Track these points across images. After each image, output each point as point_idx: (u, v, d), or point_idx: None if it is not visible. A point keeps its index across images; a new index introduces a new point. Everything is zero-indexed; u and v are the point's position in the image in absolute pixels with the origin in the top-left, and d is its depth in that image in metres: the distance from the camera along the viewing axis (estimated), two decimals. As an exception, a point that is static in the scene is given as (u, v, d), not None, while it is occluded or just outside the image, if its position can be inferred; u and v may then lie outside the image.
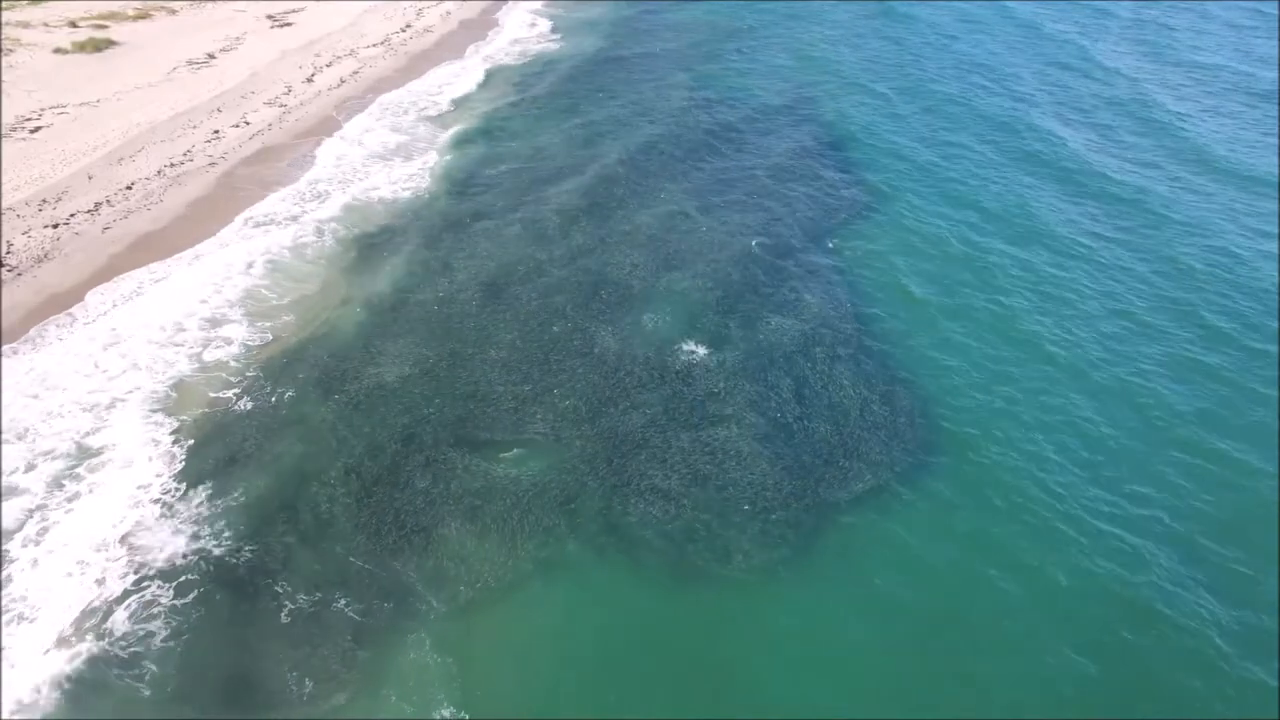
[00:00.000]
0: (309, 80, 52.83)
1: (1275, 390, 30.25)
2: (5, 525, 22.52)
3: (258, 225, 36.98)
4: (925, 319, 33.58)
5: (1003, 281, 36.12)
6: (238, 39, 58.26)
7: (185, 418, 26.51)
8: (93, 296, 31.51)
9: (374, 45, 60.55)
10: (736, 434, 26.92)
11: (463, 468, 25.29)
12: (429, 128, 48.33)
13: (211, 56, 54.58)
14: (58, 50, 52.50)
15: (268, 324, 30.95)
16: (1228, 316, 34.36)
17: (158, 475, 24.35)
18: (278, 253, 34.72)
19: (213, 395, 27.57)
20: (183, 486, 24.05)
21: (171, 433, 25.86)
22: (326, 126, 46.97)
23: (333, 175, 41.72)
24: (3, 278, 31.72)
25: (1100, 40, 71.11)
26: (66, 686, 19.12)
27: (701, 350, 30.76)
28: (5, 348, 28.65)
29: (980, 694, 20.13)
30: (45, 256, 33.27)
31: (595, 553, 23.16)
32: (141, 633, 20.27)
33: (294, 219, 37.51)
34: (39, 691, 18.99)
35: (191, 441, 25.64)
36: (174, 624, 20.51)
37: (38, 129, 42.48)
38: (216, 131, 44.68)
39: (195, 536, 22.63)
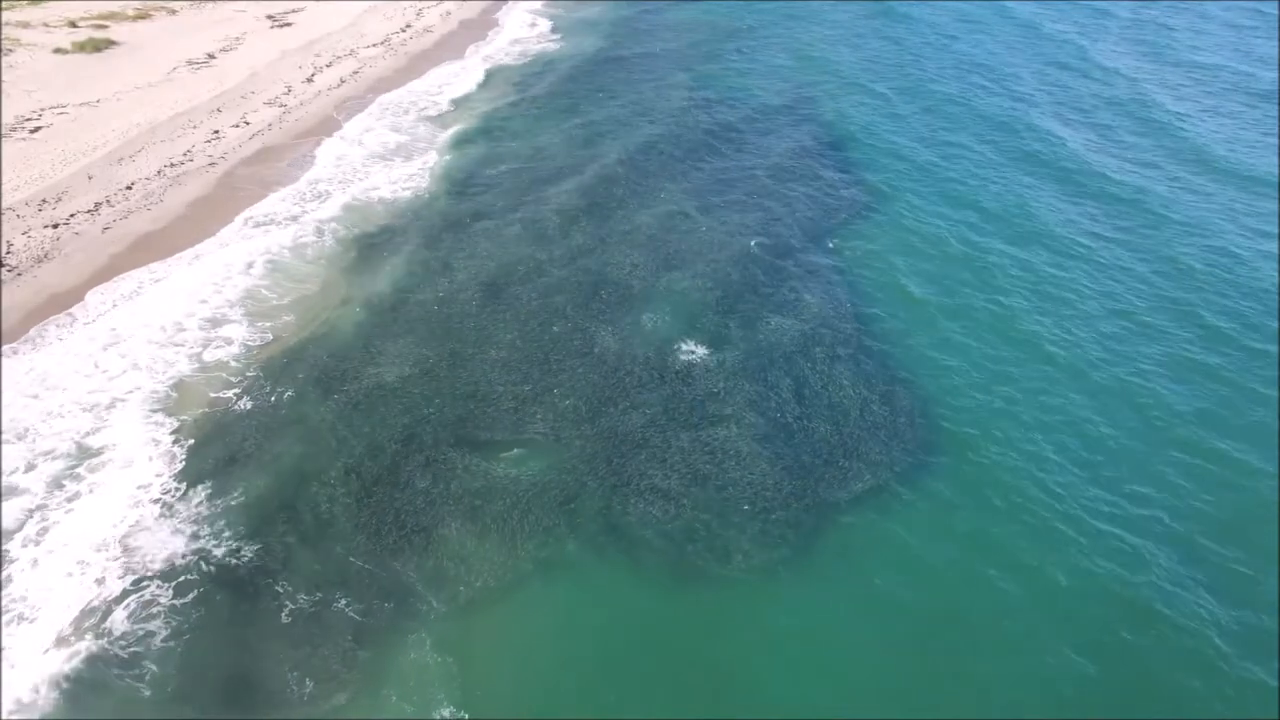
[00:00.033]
0: (309, 80, 52.84)
1: (1275, 390, 30.26)
2: (5, 525, 22.53)
3: (258, 225, 36.99)
4: (925, 319, 33.60)
5: (1002, 281, 36.14)
6: (238, 39, 58.27)
7: (185, 418, 26.52)
8: (93, 296, 31.53)
9: (374, 45, 60.56)
10: (736, 434, 26.93)
11: (463, 468, 25.29)
12: (429, 128, 48.34)
13: (211, 56, 54.59)
14: (58, 50, 52.51)
15: (268, 324, 30.96)
16: (1227, 316, 34.37)
17: (158, 475, 24.36)
18: (278, 253, 34.73)
19: (213, 395, 27.57)
20: (183, 486, 24.06)
21: (172, 433, 25.87)
22: (326, 126, 46.98)
23: (333, 175, 41.73)
24: (3, 278, 31.73)
25: (1099, 40, 71.13)
26: (66, 686, 19.12)
27: (701, 350, 30.77)
28: (5, 348, 28.65)
29: (980, 694, 20.14)
30: (45, 256, 33.28)
31: (595, 553, 23.17)
32: (141, 632, 20.28)
33: (294, 219, 37.53)
34: (39, 691, 18.98)
35: (192, 441, 25.65)
36: (174, 624, 20.52)
37: (38, 129, 42.49)
38: (216, 131, 44.68)
39: (195, 536, 22.65)
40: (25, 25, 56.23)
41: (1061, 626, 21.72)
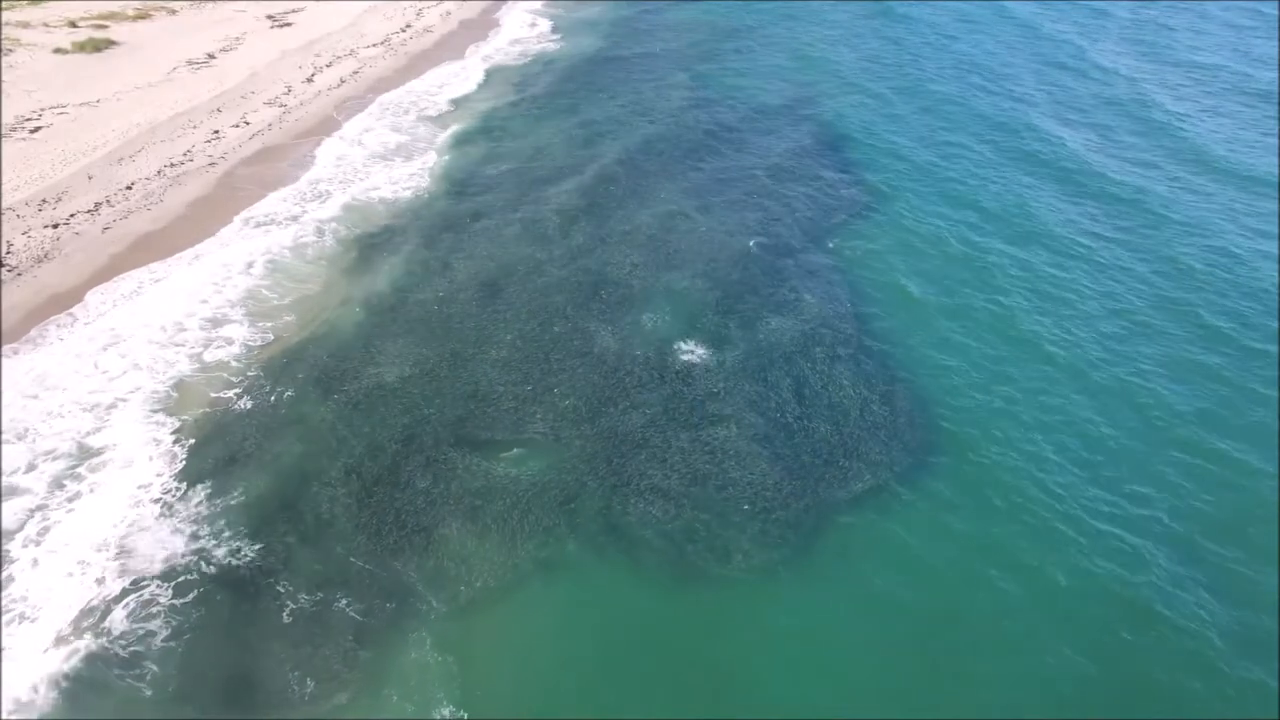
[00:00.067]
0: (309, 80, 52.85)
1: (1275, 390, 30.28)
2: (6, 525, 22.55)
3: (258, 225, 37.01)
4: (924, 319, 33.62)
5: (1002, 281, 36.16)
6: (238, 39, 58.28)
7: (186, 418, 26.54)
8: (93, 296, 31.54)
9: (374, 45, 60.57)
10: (736, 434, 26.95)
11: (463, 468, 25.31)
12: (429, 128, 48.36)
13: (211, 56, 54.59)
14: (58, 50, 52.52)
15: (269, 324, 30.97)
16: (1227, 316, 34.39)
17: (158, 475, 24.38)
18: (278, 253, 34.74)
19: (213, 395, 27.59)
20: (184, 486, 24.07)
21: (172, 432, 25.89)
22: (326, 126, 47.00)
23: (333, 175, 41.75)
24: (3, 278, 31.74)
25: (1099, 40, 71.17)
26: (66, 686, 19.14)
27: (701, 350, 30.79)
28: (5, 348, 28.66)
29: (980, 694, 20.16)
30: (45, 256, 33.29)
31: (595, 553, 23.18)
32: (142, 632, 20.29)
33: (294, 219, 37.54)
34: (39, 691, 18.99)
35: (192, 441, 25.66)
36: (175, 623, 20.54)
37: (38, 129, 42.49)
38: (216, 131, 44.69)
39: (196, 536, 22.66)
40: (25, 25, 56.24)
41: (1061, 626, 21.74)
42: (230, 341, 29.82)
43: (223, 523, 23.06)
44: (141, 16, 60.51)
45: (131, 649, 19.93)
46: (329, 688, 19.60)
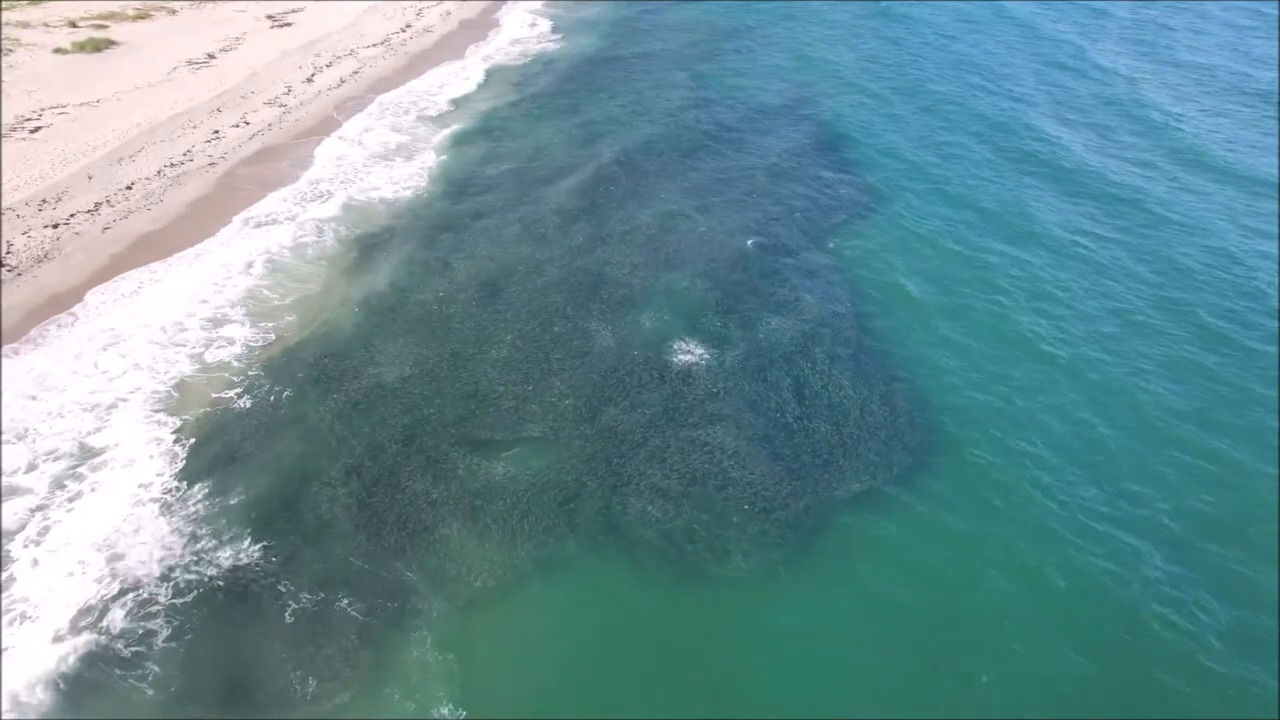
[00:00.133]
0: (309, 80, 52.87)
1: (1274, 390, 30.32)
2: (7, 525, 22.58)
3: (258, 225, 37.04)
4: (924, 319, 33.67)
5: (1001, 281, 36.20)
6: (238, 39, 58.29)
7: (187, 417, 26.58)
8: (93, 296, 31.56)
9: (374, 45, 60.59)
10: (735, 434, 26.99)
11: (463, 467, 25.36)
12: (429, 127, 48.38)
13: (211, 56, 54.61)
14: (58, 50, 52.53)
15: (269, 324, 31.00)
16: (1226, 316, 34.43)
17: (159, 474, 24.42)
18: (278, 252, 34.78)
19: (214, 395, 27.62)
20: (184, 486, 24.12)
21: (173, 432, 25.93)
22: (326, 126, 47.03)
23: (333, 175, 41.78)
24: (3, 278, 31.76)
25: (1098, 40, 71.21)
26: (67, 686, 19.17)
27: (700, 350, 30.84)
28: (6, 348, 28.69)
29: (979, 694, 20.21)
30: (45, 256, 33.32)
31: (595, 553, 23.23)
32: (143, 632, 20.34)
33: (294, 219, 37.58)
34: (39, 691, 19.02)
35: (193, 441, 25.70)
36: (176, 623, 20.58)
37: (38, 129, 42.51)
38: (216, 131, 44.72)
39: (196, 536, 22.70)
40: (25, 25, 56.25)
41: (1060, 626, 21.79)
42: (231, 341, 29.86)
43: (224, 522, 23.11)
44: (141, 16, 60.52)
45: (132, 648, 19.97)
46: (331, 687, 19.64)
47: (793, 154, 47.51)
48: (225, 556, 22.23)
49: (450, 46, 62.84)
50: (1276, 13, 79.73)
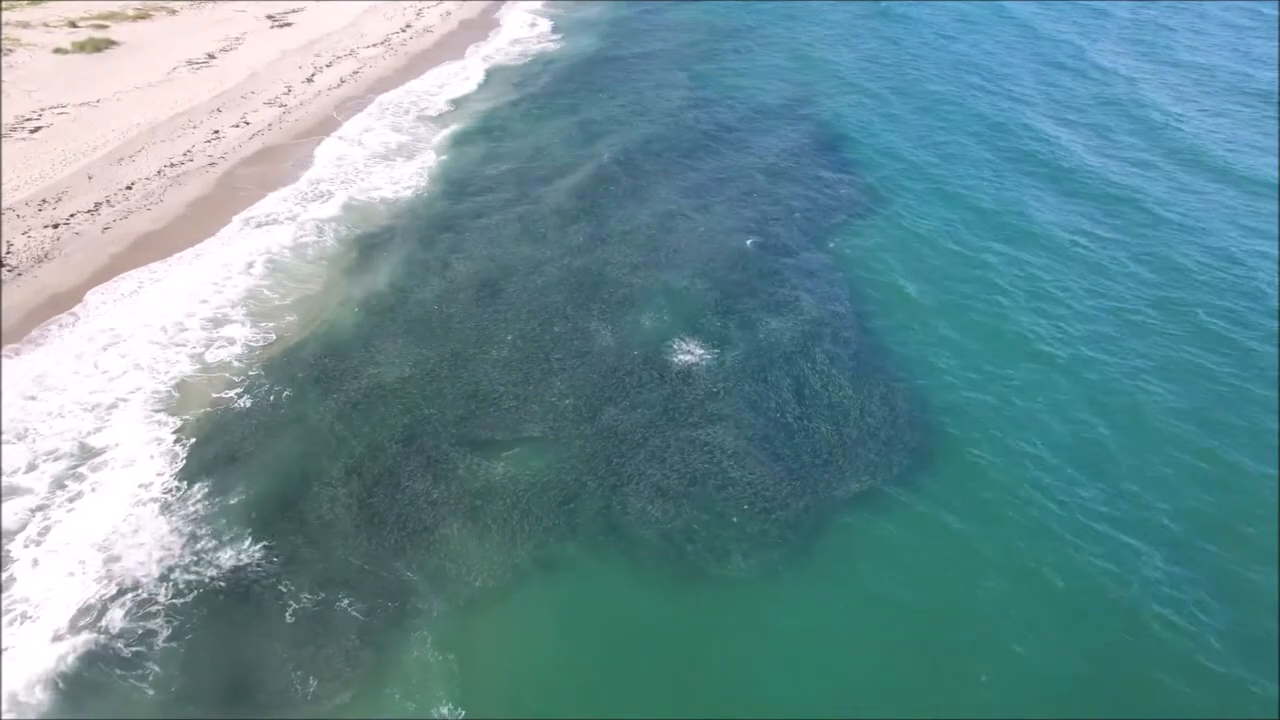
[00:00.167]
0: (309, 80, 52.88)
1: (1273, 390, 30.34)
2: (7, 526, 22.59)
3: (258, 225, 37.06)
4: (922, 319, 33.69)
5: (999, 281, 36.22)
6: (238, 39, 58.30)
7: (187, 417, 26.59)
8: (93, 296, 31.58)
9: (374, 45, 60.60)
10: (735, 434, 27.01)
11: (463, 467, 25.38)
12: (429, 127, 48.40)
13: (211, 56, 54.62)
14: (58, 50, 52.53)
15: (270, 324, 31.02)
16: (1225, 316, 34.45)
17: (159, 474, 24.43)
18: (278, 252, 34.80)
19: (215, 395, 27.63)
20: (185, 486, 24.13)
21: (174, 432, 25.94)
22: (326, 126, 47.04)
23: (333, 175, 41.79)
24: (3, 278, 31.77)
25: (1097, 40, 71.23)
26: (67, 686, 19.18)
27: (700, 350, 30.86)
28: (6, 348, 28.70)
29: (978, 694, 20.23)
30: (45, 256, 33.33)
31: (595, 553, 23.25)
32: (143, 632, 20.35)
33: (294, 219, 37.59)
34: (39, 691, 19.03)
35: (194, 441, 25.71)
36: (176, 623, 20.59)
37: (38, 129, 42.52)
38: (216, 131, 44.73)
39: (197, 536, 22.71)
40: (25, 25, 56.25)
41: (1060, 627, 21.81)
42: (231, 341, 29.87)
43: (224, 522, 23.12)
44: (141, 16, 60.52)
45: (133, 648, 19.98)
46: (331, 687, 19.66)
47: (792, 154, 47.54)
48: (225, 556, 22.25)
49: (450, 46, 62.85)
50: (1276, 13, 79.76)
